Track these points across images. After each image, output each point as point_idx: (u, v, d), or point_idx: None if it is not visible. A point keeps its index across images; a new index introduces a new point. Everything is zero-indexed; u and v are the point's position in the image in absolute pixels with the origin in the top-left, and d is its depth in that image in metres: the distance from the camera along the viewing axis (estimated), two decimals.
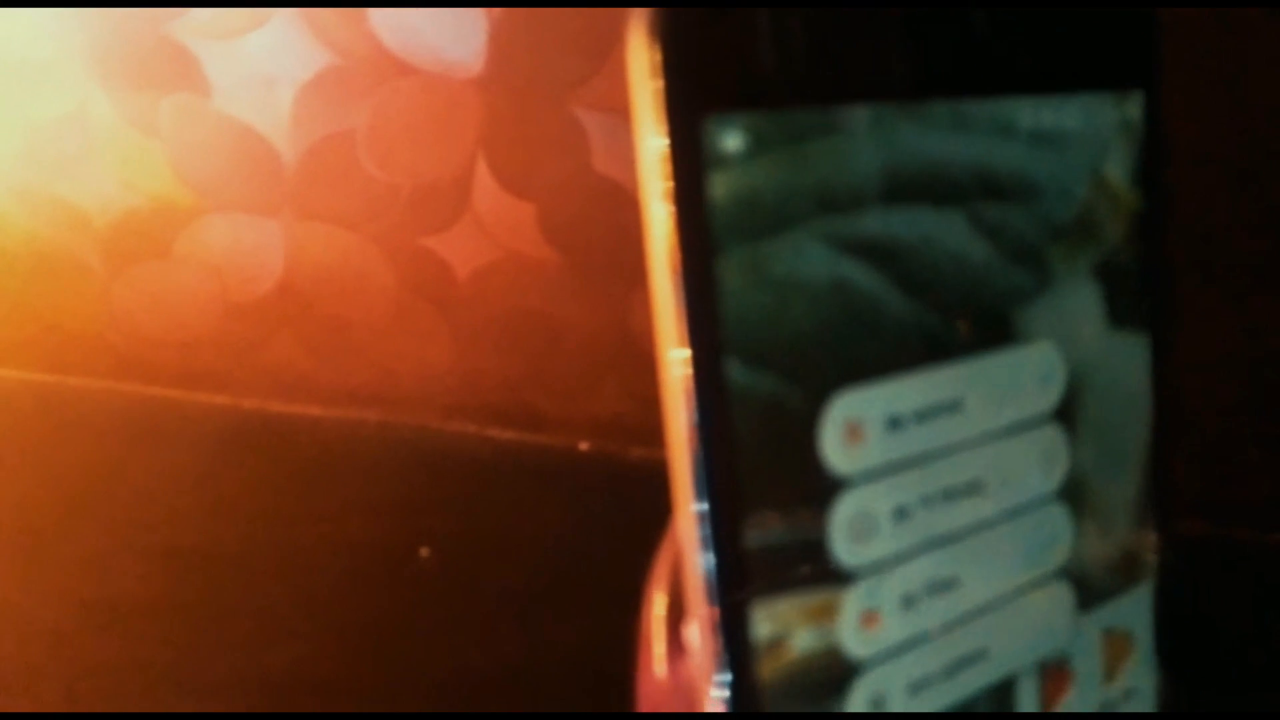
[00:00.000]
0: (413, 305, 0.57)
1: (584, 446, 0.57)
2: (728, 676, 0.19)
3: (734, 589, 0.19)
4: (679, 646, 0.26)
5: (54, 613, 0.44)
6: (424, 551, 0.49)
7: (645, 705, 0.27)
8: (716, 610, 0.19)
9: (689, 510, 0.19)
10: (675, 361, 0.19)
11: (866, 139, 0.20)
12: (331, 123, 0.53)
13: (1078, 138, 0.24)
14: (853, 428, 0.21)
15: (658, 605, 0.27)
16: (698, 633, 0.20)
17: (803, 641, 0.20)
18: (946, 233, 0.21)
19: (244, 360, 0.60)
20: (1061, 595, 0.25)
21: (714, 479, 0.19)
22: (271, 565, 0.48)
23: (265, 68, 0.52)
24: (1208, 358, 0.45)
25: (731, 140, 0.19)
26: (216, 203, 0.57)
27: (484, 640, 0.43)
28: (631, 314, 0.54)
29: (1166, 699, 0.27)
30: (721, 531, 0.19)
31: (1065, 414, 0.24)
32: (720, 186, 0.18)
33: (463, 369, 0.57)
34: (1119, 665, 0.26)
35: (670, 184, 0.18)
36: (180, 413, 0.60)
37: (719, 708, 0.20)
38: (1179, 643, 0.28)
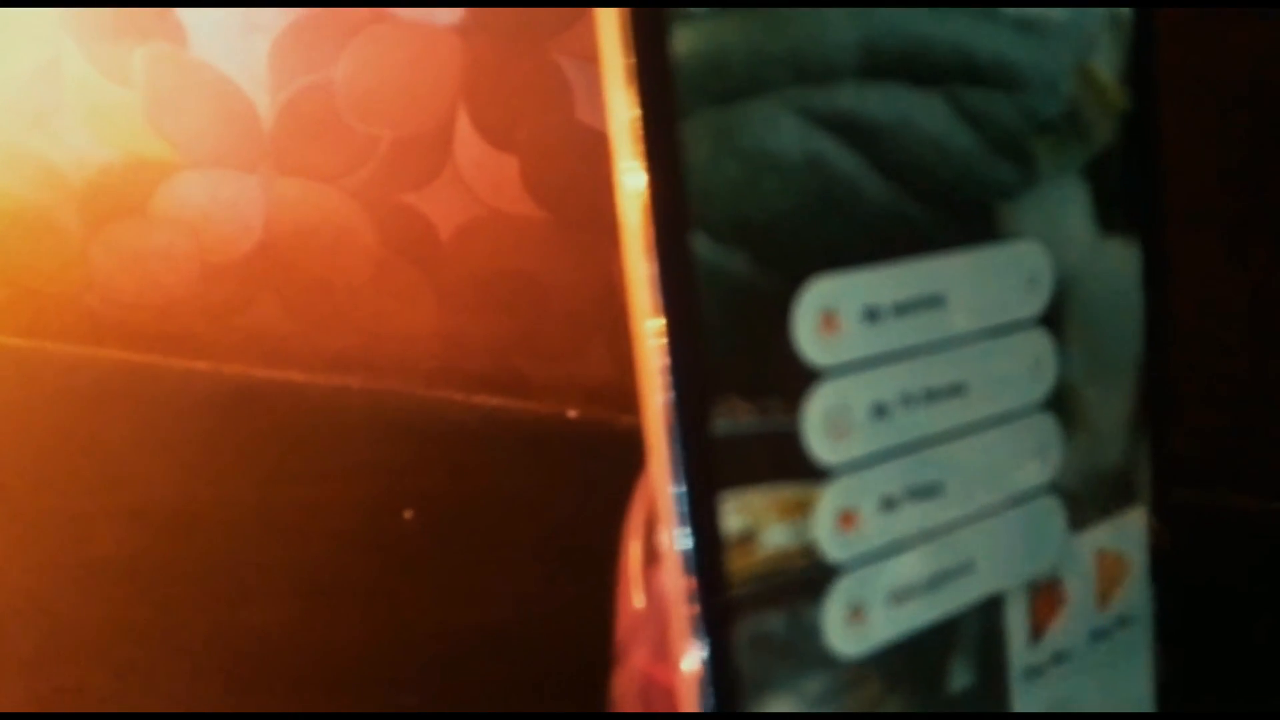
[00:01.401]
0: (395, 265, 0.56)
1: (572, 414, 0.56)
2: (697, 574, 0.18)
3: (703, 478, 0.18)
4: (655, 566, 0.25)
5: (29, 574, 0.44)
6: (407, 514, 0.48)
7: (623, 633, 0.26)
8: (684, 500, 0.18)
9: (656, 396, 0.18)
10: (640, 233, 0.18)
11: (842, 7, 0.19)
12: (309, 72, 0.52)
13: (1064, 29, 0.23)
14: (828, 317, 0.20)
15: (635, 539, 0.27)
16: (668, 534, 0.19)
17: (776, 537, 0.19)
18: (926, 116, 0.20)
19: (224, 323, 0.59)
20: (1051, 511, 0.24)
21: (682, 361, 0.18)
22: (252, 527, 0.47)
23: (241, 14, 0.50)
24: (1209, 321, 0.44)
25: None
26: (193, 158, 0.56)
27: (468, 600, 0.42)
28: (617, 273, 0.53)
29: (1162, 627, 0.26)
30: (690, 418, 0.18)
31: (1053, 320, 0.23)
32: (685, 42, 0.17)
33: (446, 332, 0.56)
34: (1113, 589, 0.25)
35: (631, 36, 0.17)
36: (160, 379, 0.59)
37: (690, 614, 0.19)
38: (1175, 571, 0.27)
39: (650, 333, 0.18)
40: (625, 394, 0.59)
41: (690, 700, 0.19)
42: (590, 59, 0.51)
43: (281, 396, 0.58)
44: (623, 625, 0.26)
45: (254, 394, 0.58)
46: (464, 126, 0.53)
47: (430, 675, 0.38)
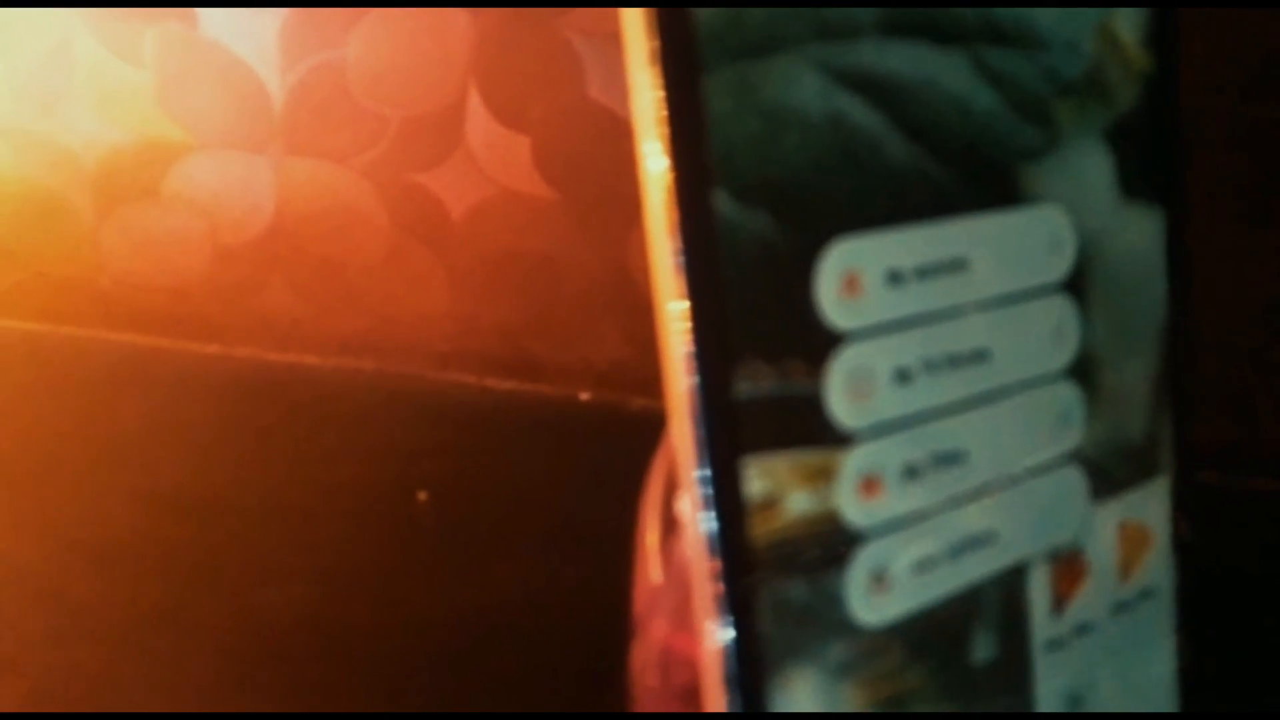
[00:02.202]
0: (406, 247, 0.56)
1: (584, 397, 0.55)
2: (719, 540, 0.18)
3: (725, 442, 0.18)
4: (673, 539, 0.25)
5: (40, 556, 0.43)
6: (421, 495, 0.47)
7: (641, 607, 0.26)
8: (706, 465, 0.18)
9: (678, 359, 0.18)
10: (661, 191, 0.17)
11: None
12: (320, 52, 0.52)
13: None
14: (850, 278, 0.19)
15: (652, 511, 0.26)
16: (689, 499, 0.19)
17: (799, 504, 0.19)
18: (948, 75, 0.20)
19: (236, 306, 0.58)
20: (1074, 480, 0.23)
21: (703, 322, 0.18)
22: (264, 509, 0.47)
23: None
24: (1226, 302, 0.44)
25: None
26: (205, 139, 0.56)
27: (481, 581, 0.42)
28: (630, 254, 0.53)
29: (1184, 601, 0.26)
30: (711, 380, 0.18)
31: (1076, 286, 0.23)
32: None
33: (458, 314, 0.56)
34: (1135, 562, 0.25)
35: None
36: (172, 362, 0.59)
37: (711, 581, 0.18)
38: (1198, 544, 0.26)
39: (671, 294, 0.18)
40: (638, 377, 0.59)
41: (712, 668, 0.18)
42: (603, 36, 0.51)
43: (294, 380, 0.58)
44: (640, 599, 0.26)
45: (266, 378, 0.58)
46: (475, 105, 0.52)
47: (443, 656, 0.37)
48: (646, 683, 0.24)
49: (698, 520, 0.18)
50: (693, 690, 0.25)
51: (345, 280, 0.57)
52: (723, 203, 0.18)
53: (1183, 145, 0.25)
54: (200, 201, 0.57)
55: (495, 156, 0.53)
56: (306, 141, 0.55)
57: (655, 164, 0.17)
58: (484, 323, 0.56)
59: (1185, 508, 0.25)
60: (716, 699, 0.18)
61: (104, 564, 0.43)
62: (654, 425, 0.27)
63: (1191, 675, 0.26)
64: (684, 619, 0.23)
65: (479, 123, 0.53)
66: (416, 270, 0.56)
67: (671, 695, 0.24)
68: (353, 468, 0.50)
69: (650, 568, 0.26)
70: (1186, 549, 0.25)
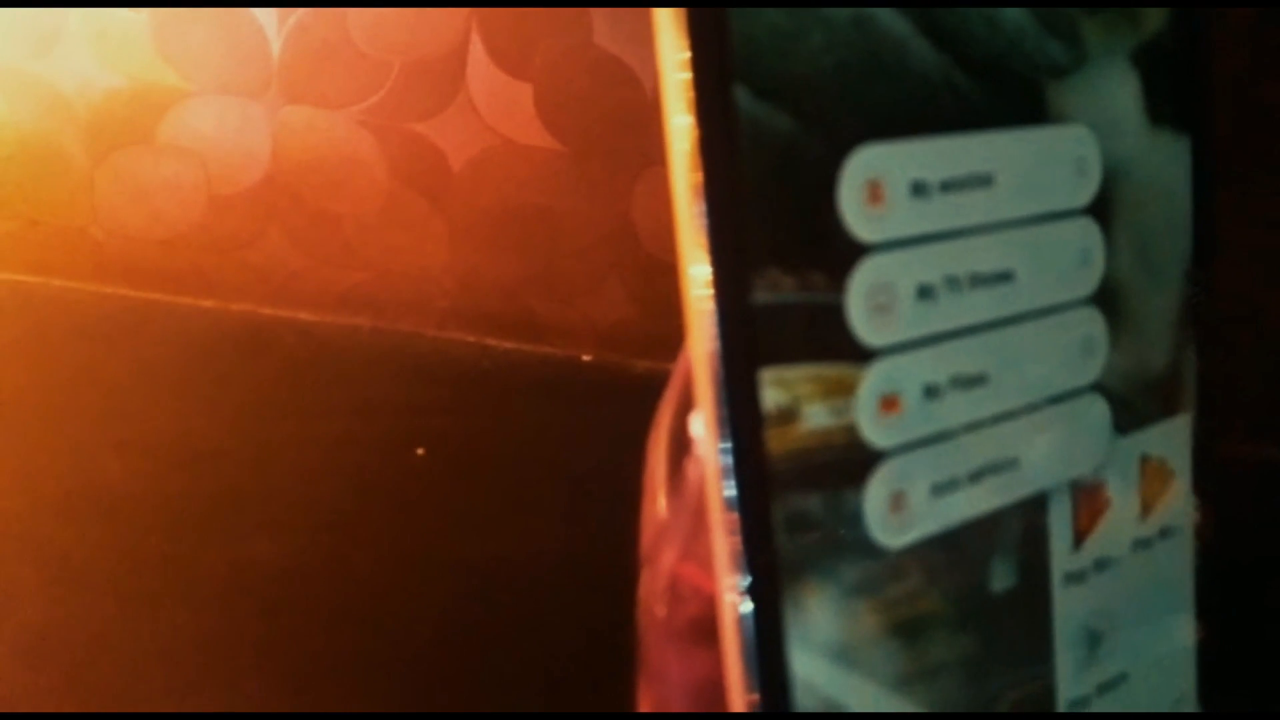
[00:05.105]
0: (405, 198, 0.55)
1: (586, 358, 0.55)
2: (734, 449, 0.18)
3: (742, 351, 0.17)
4: (681, 475, 0.24)
5: (30, 506, 0.43)
6: (419, 451, 0.47)
7: (649, 541, 0.25)
8: (723, 373, 0.17)
9: (695, 264, 0.17)
10: (679, 82, 0.17)
11: None
12: None
13: None
14: (874, 187, 0.19)
15: (661, 445, 0.26)
16: (703, 413, 0.18)
17: (816, 417, 0.18)
18: None
19: (231, 258, 0.57)
20: (1097, 410, 0.23)
21: (722, 224, 0.17)
22: (258, 461, 0.46)
23: None
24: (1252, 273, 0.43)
25: None
26: (201, 84, 0.55)
27: (477, 539, 0.41)
28: (634, 208, 0.52)
29: (1204, 542, 0.25)
30: (729, 286, 0.17)
31: (1101, 212, 0.22)
32: None
33: (457, 269, 0.55)
34: (1156, 498, 0.24)
35: None
36: (166, 316, 0.58)
37: (726, 492, 0.18)
38: (1219, 482, 0.26)
39: (688, 193, 0.17)
40: (642, 338, 0.58)
41: (725, 584, 0.18)
42: None
43: (290, 335, 0.57)
44: (648, 533, 0.26)
45: (262, 333, 0.57)
46: (477, 52, 0.51)
47: (438, 611, 0.37)
48: (654, 613, 0.23)
49: (713, 433, 0.18)
50: (701, 624, 0.25)
51: (342, 232, 0.56)
52: (744, 98, 0.17)
53: (1210, 75, 0.25)
54: (195, 149, 0.56)
55: (497, 105, 0.52)
56: (304, 88, 0.54)
57: (674, 55, 0.17)
58: (484, 278, 0.56)
59: (1207, 427, 0.24)
60: (730, 614, 0.18)
61: (97, 516, 0.42)
62: (658, 388, 0.27)
63: (1210, 616, 0.25)
64: (693, 548, 0.23)
65: (480, 70, 0.52)
66: (415, 223, 0.55)
67: (680, 627, 0.23)
68: (349, 423, 0.50)
69: (658, 501, 0.25)
70: (1212, 473, 0.25)
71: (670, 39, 0.17)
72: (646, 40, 0.17)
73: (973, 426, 0.21)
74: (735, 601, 0.18)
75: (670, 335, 0.23)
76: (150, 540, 0.41)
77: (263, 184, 0.56)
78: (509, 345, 0.56)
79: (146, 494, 0.44)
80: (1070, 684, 0.23)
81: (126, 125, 0.56)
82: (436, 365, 0.55)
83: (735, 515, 0.18)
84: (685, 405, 0.23)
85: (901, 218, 0.19)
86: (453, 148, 0.53)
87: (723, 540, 0.18)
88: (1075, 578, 0.23)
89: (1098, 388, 0.23)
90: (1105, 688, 0.23)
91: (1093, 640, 0.23)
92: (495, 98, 0.52)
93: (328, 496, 0.44)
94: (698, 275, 0.17)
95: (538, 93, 0.51)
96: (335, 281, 0.57)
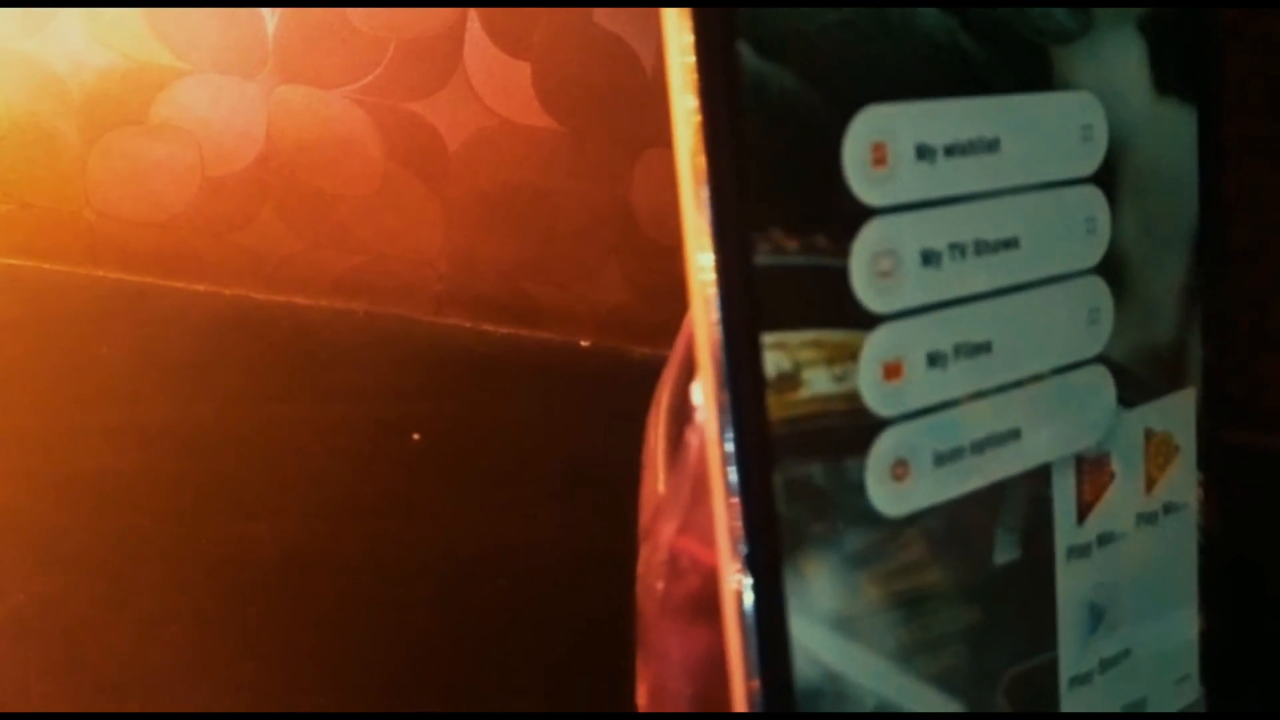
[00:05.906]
0: (400, 179, 0.54)
1: (584, 343, 0.54)
2: (735, 413, 0.17)
3: (744, 314, 0.17)
4: (683, 441, 0.24)
5: (20, 489, 0.43)
6: (415, 436, 0.47)
7: (647, 517, 0.25)
8: (725, 336, 0.17)
9: (697, 226, 0.17)
10: (682, 40, 0.16)
11: None
12: None
13: None
14: (878, 149, 0.18)
15: (660, 421, 0.25)
16: (705, 378, 0.18)
17: (819, 383, 0.18)
18: None
19: (224, 241, 0.57)
20: (1101, 382, 0.23)
21: (724, 184, 0.17)
22: (252, 444, 0.46)
23: None
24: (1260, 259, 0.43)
25: None
26: (195, 63, 0.55)
27: (471, 524, 0.41)
28: (633, 190, 0.52)
29: (1208, 518, 0.25)
30: (731, 247, 0.17)
31: (1107, 180, 0.22)
32: None
33: (453, 252, 0.55)
34: (1161, 473, 0.24)
35: None
36: (159, 300, 0.58)
37: (728, 456, 0.17)
38: (1223, 459, 0.26)
39: (691, 153, 0.17)
40: (640, 323, 0.57)
41: (724, 552, 0.18)
42: None
43: (284, 320, 0.57)
44: (646, 509, 0.25)
45: (256, 317, 0.57)
46: (474, 30, 0.51)
47: (432, 596, 0.37)
48: (653, 589, 0.23)
49: (713, 398, 0.17)
50: (700, 599, 0.24)
51: (337, 215, 0.56)
52: (747, 54, 0.17)
53: (1217, 48, 0.24)
54: (189, 129, 0.56)
55: (494, 84, 0.51)
56: (299, 66, 0.54)
57: (676, 11, 0.16)
58: (480, 262, 0.55)
59: (1213, 404, 0.24)
60: (730, 583, 0.17)
61: (89, 499, 0.42)
62: (656, 374, 0.26)
63: (1213, 594, 0.25)
64: (692, 520, 0.22)
65: (478, 48, 0.51)
66: (411, 205, 0.55)
67: (679, 603, 0.23)
68: (344, 407, 0.49)
69: (657, 476, 0.25)
70: (1217, 449, 0.24)
71: None
72: (647, 19, 0.16)
73: (976, 396, 0.20)
74: (735, 570, 0.18)
75: (669, 321, 0.22)
76: (143, 524, 0.40)
77: (257, 164, 0.55)
78: (505, 330, 0.56)
79: (139, 477, 0.43)
80: (1073, 659, 0.22)
81: (120, 105, 0.56)
82: (432, 350, 0.55)
83: (735, 482, 0.17)
84: (685, 377, 0.23)
85: (906, 181, 0.19)
86: (449, 127, 0.53)
87: (723, 507, 0.17)
88: (1079, 552, 0.22)
89: (1102, 359, 0.22)
90: (1108, 664, 0.23)
91: (1096, 615, 0.23)
92: (493, 77, 0.51)
93: (322, 481, 0.44)
94: (699, 236, 0.17)
95: (536, 72, 0.51)
96: (330, 265, 0.57)
